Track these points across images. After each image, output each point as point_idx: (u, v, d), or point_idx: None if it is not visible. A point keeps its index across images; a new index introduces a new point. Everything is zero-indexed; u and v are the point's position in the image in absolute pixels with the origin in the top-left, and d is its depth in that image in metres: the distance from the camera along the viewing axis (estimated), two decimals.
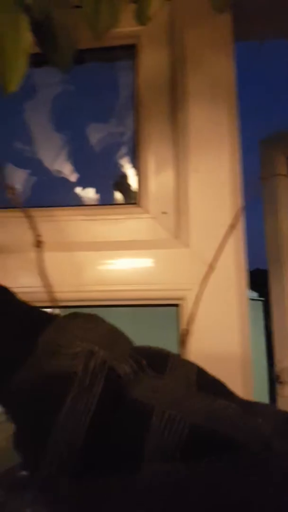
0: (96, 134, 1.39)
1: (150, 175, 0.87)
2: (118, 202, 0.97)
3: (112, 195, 1.33)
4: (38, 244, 0.63)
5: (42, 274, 0.63)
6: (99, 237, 0.84)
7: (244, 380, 0.75)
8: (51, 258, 0.81)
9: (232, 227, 0.78)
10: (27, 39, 0.54)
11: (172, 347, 0.79)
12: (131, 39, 0.95)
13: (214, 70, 0.86)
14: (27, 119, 1.35)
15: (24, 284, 0.75)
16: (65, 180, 1.41)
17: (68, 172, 1.39)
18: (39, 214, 0.85)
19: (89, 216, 0.87)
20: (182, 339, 0.76)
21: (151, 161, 0.87)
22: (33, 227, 0.64)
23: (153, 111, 0.90)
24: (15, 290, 0.70)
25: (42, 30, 0.58)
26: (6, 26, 0.54)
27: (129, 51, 0.99)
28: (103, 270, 0.81)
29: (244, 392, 0.75)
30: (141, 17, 0.61)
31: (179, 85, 0.87)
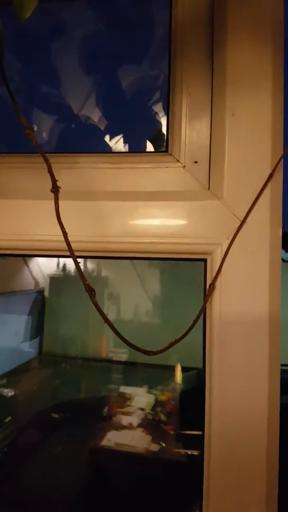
0: (128, 77, 1.31)
1: (183, 120, 0.80)
2: (149, 150, 0.92)
3: (143, 144, 1.27)
4: (55, 190, 0.60)
5: (59, 222, 0.60)
6: (126, 187, 0.80)
7: (271, 342, 0.72)
8: (75, 207, 0.78)
9: (270, 178, 0.71)
10: None
11: (198, 301, 0.76)
12: None
13: (259, 2, 0.76)
14: (54, 61, 1.28)
15: (44, 232, 0.72)
16: (94, 127, 1.34)
17: (97, 118, 1.33)
18: (62, 160, 0.82)
19: (115, 164, 0.82)
20: (207, 295, 0.73)
21: (184, 104, 0.80)
22: (51, 173, 0.60)
23: (189, 50, 0.82)
24: (35, 238, 0.68)
25: None
26: None
27: None
28: (129, 221, 0.77)
29: (270, 355, 0.72)
30: None
31: (218, 18, 0.78)
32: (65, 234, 0.60)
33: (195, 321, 0.73)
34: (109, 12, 1.26)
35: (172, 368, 3.78)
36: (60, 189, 0.65)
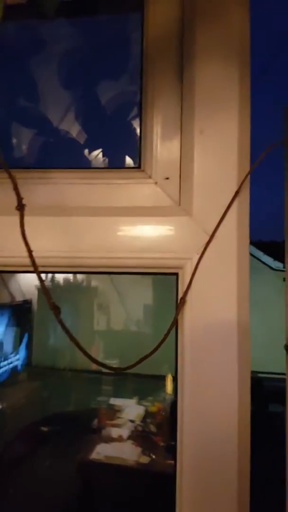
0: (107, 93, 1.33)
1: (154, 137, 0.82)
2: (121, 166, 0.93)
3: (122, 158, 1.28)
4: (21, 208, 0.61)
5: (23, 238, 0.61)
6: (99, 202, 0.82)
7: (240, 352, 0.73)
8: (48, 222, 0.79)
9: (237, 195, 0.73)
10: None
11: (170, 314, 0.77)
12: None
13: (226, 23, 0.79)
14: (34, 75, 1.29)
15: (13, 248, 0.73)
16: (73, 141, 1.36)
17: (76, 133, 1.34)
18: (36, 175, 0.83)
19: (89, 179, 0.84)
20: (178, 307, 0.74)
21: (156, 122, 0.82)
22: (16, 190, 0.62)
23: (160, 69, 0.84)
24: (3, 254, 0.69)
25: None
26: None
27: (139, 2, 0.92)
28: (102, 237, 0.79)
29: (239, 356, 0.73)
30: None
31: (187, 40, 0.80)
32: (29, 251, 0.61)
33: (166, 334, 0.74)
34: (88, 28, 1.29)
35: (163, 378, 3.77)
36: (32, 205, 0.66)
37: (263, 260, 7.68)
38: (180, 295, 0.76)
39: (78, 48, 1.30)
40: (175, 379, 0.79)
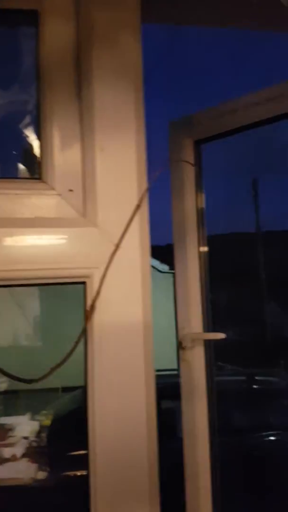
0: None
1: (55, 149, 0.84)
2: (21, 176, 0.93)
3: (15, 167, 1.26)
4: None
5: None
6: None
7: (145, 348, 0.79)
8: None
9: (138, 208, 0.80)
10: None
11: (79, 322, 0.80)
12: (33, 3, 0.90)
13: (121, 49, 0.86)
14: None
15: None
16: None
17: None
18: None
19: None
20: (87, 315, 0.78)
21: (55, 135, 0.85)
22: None
23: (57, 83, 0.87)
24: None
25: None
26: None
27: (32, 16, 0.93)
28: (4, 249, 0.78)
29: (145, 358, 0.79)
30: None
31: (84, 61, 0.85)
32: None
33: (77, 342, 0.77)
34: None
35: (56, 390, 3.69)
36: None
37: (152, 264, 8.01)
38: (88, 303, 0.79)
39: None
40: (84, 385, 0.81)
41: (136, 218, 0.80)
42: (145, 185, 0.82)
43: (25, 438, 3.42)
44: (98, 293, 0.78)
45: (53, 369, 0.74)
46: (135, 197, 0.81)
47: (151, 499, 0.78)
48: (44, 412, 3.79)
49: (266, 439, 3.30)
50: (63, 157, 0.85)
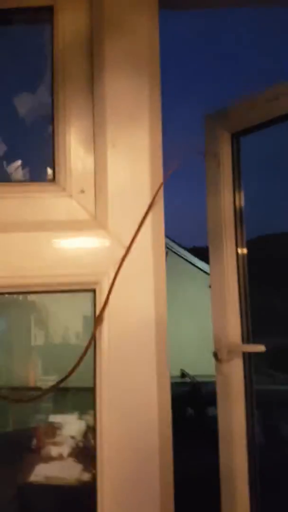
0: (24, 104, 1.29)
1: (67, 150, 0.80)
2: (32, 178, 0.90)
3: (44, 171, 1.25)
4: None
5: None
6: (9, 217, 0.78)
7: (158, 356, 0.74)
8: None
9: (151, 207, 0.74)
10: None
11: (90, 329, 0.76)
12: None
13: (136, 36, 0.80)
14: None
15: None
16: None
17: None
18: None
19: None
20: (96, 323, 0.73)
21: (68, 135, 0.81)
22: None
23: (70, 81, 0.83)
24: None
25: None
26: None
27: (48, 13, 0.90)
28: (13, 254, 0.75)
29: (158, 365, 0.73)
30: None
31: (97, 51, 0.80)
32: None
33: (85, 350, 0.73)
34: (2, 39, 1.25)
35: None
36: None
37: (198, 266, 7.88)
38: (98, 310, 0.74)
39: None
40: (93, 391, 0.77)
41: (149, 218, 0.74)
42: (159, 182, 0.75)
43: (72, 437, 3.47)
44: (107, 299, 0.73)
45: (60, 381, 0.70)
46: (148, 196, 0.75)
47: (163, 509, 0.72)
48: (91, 411, 3.83)
49: None
50: (76, 157, 0.81)
